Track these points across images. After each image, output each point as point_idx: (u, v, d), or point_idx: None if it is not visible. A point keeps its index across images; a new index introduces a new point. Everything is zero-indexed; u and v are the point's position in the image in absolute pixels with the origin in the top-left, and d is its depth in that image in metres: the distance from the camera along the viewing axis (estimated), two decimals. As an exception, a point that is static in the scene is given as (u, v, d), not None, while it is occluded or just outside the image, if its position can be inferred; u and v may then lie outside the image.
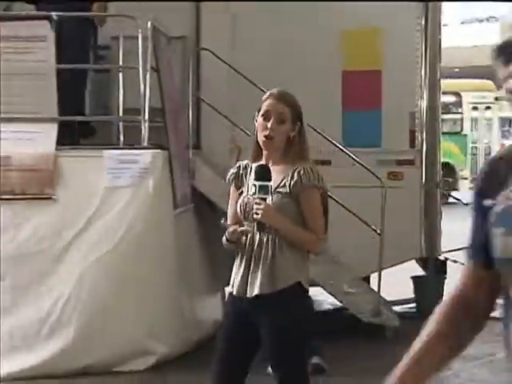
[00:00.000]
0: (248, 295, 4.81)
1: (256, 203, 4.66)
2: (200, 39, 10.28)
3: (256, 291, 4.83)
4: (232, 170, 5.07)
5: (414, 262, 10.80)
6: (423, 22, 10.45)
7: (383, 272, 9.60)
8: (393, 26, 10.23)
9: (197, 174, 9.74)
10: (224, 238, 4.97)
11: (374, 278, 9.98)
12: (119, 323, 8.42)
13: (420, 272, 10.95)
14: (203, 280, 10.02)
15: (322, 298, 10.30)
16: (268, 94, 5.11)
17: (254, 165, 4.78)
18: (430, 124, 10.53)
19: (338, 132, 9.90)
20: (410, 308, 10.80)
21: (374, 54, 10.27)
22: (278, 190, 4.72)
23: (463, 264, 3.02)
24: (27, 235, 8.15)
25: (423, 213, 10.40)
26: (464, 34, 27.96)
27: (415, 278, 10.72)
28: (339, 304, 10.03)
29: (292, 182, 4.73)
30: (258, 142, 4.89)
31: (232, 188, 5.04)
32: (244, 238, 4.93)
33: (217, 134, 10.12)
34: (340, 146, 9.49)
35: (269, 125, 4.74)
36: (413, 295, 10.79)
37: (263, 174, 4.71)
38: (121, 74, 8.93)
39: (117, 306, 8.44)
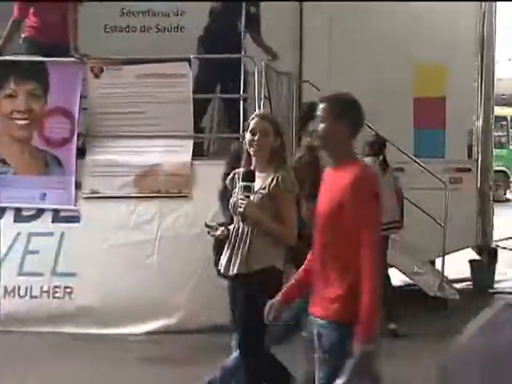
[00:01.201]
0: (230, 273, 5.21)
1: (240, 199, 5.02)
2: (302, 74, 10.67)
3: (235, 271, 5.20)
4: (230, 176, 5.42)
5: (470, 249, 11.15)
6: (479, 59, 10.94)
7: (446, 257, 10.02)
8: (455, 61, 10.59)
9: None
10: (209, 234, 5.44)
11: (438, 261, 10.41)
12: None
13: (476, 257, 11.23)
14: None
15: (397, 276, 10.31)
16: (254, 114, 5.45)
17: (242, 170, 5.12)
18: (484, 140, 11.04)
19: (411, 146, 10.38)
20: (467, 285, 11.09)
21: (439, 84, 10.75)
22: (260, 191, 5.05)
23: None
24: (170, 224, 8.75)
25: (478, 209, 10.90)
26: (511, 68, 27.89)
27: (472, 262, 11.07)
28: (410, 281, 10.39)
29: (272, 186, 5.05)
30: (248, 152, 5.19)
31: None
32: (226, 233, 5.24)
33: None
34: (412, 157, 10.02)
35: (256, 138, 5.08)
36: (469, 275, 11.19)
37: (248, 176, 5.02)
38: (241, 101, 9.25)
39: None
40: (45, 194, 8.98)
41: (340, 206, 3.62)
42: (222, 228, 5.35)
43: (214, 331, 8.36)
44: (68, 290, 8.48)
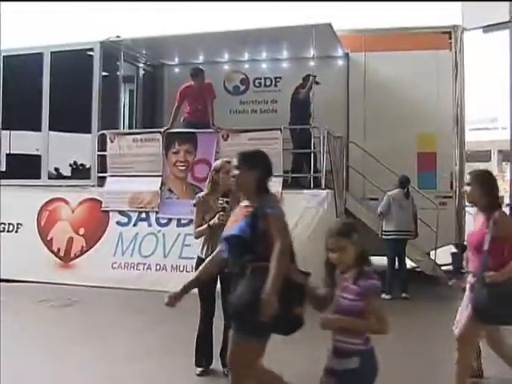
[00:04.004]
0: None
1: (220, 212, 5.18)
2: (349, 137, 11.44)
3: None
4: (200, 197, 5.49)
5: (452, 245, 11.22)
6: (455, 129, 11.32)
7: (437, 250, 10.58)
8: (441, 131, 11.22)
9: (347, 201, 10.78)
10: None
11: (432, 253, 10.80)
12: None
13: (455, 250, 11.21)
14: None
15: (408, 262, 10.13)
16: (222, 161, 5.54)
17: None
18: (459, 178, 11.17)
19: (416, 181, 10.78)
20: (449, 268, 11.19)
21: (432, 144, 11.26)
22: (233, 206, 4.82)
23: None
24: None
25: (456, 220, 11.09)
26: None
27: (452, 254, 11.27)
28: (414, 265, 10.73)
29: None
30: (217, 183, 5.37)
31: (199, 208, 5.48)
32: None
33: (356, 182, 11.23)
34: (416, 188, 10.50)
35: (229, 176, 4.66)
36: (451, 262, 11.27)
37: (224, 195, 5.23)
38: (312, 154, 9.98)
39: (307, 263, 6.96)
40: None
41: None
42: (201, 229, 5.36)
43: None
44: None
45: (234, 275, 3.71)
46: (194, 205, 5.56)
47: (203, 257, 5.27)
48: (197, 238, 5.55)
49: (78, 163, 11.84)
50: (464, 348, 4.51)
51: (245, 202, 3.83)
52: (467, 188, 4.57)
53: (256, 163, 3.84)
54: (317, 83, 10.55)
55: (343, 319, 3.30)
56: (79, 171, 11.66)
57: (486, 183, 4.48)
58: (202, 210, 5.47)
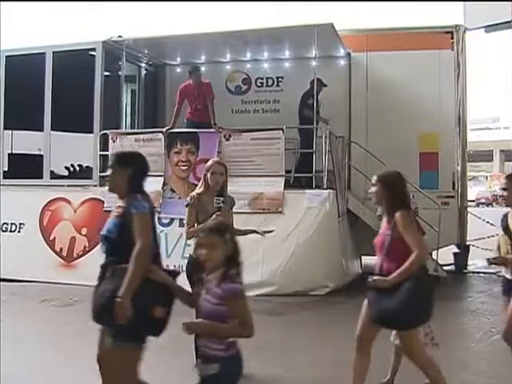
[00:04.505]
0: None
1: (217, 212, 5.17)
2: (350, 137, 11.50)
3: None
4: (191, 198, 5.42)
5: (454, 245, 11.49)
6: (457, 129, 11.39)
7: (439, 250, 10.39)
8: (443, 130, 11.25)
9: (349, 201, 10.68)
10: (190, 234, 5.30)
11: (434, 252, 10.34)
12: (311, 271, 9.25)
13: (457, 250, 11.67)
14: (351, 251, 10.68)
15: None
16: (212, 161, 5.55)
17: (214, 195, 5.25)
18: (461, 178, 11.35)
19: (418, 181, 10.83)
20: (451, 268, 11.47)
21: (434, 144, 11.34)
22: (226, 205, 5.27)
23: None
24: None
25: (458, 221, 11.24)
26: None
27: (454, 253, 11.64)
28: None
29: (229, 203, 5.40)
30: (208, 184, 5.36)
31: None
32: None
33: (358, 182, 11.10)
34: (419, 188, 10.36)
35: (216, 176, 5.33)
36: (453, 261, 11.61)
37: (219, 195, 5.27)
38: (314, 154, 9.90)
39: (310, 262, 9.21)
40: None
41: None
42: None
43: (298, 296, 8.85)
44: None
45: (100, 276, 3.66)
46: (187, 205, 5.48)
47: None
48: (189, 238, 5.50)
49: (76, 165, 11.84)
50: (362, 348, 4.40)
51: (119, 202, 3.80)
52: (372, 189, 4.47)
53: (129, 163, 3.83)
54: (324, 86, 10.67)
55: (204, 325, 3.25)
56: (76, 173, 11.69)
57: (389, 184, 4.37)
58: (196, 209, 5.41)
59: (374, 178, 4.48)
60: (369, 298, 4.23)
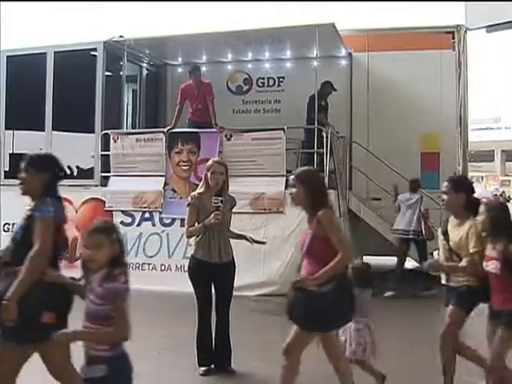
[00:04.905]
0: (218, 261, 5.31)
1: (215, 212, 5.26)
2: (352, 137, 11.56)
3: (224, 259, 5.36)
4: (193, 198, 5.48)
5: None
6: (459, 129, 11.40)
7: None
8: (444, 131, 11.22)
9: (350, 201, 10.80)
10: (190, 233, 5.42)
11: (435, 252, 9.33)
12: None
13: None
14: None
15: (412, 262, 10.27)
16: (212, 161, 5.59)
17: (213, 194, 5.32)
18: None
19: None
20: None
21: (435, 144, 11.31)
22: (225, 205, 5.37)
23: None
24: (271, 229, 9.36)
25: None
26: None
27: None
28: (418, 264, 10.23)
29: (229, 202, 5.48)
30: (209, 183, 5.44)
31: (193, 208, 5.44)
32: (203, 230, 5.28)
33: (359, 182, 11.28)
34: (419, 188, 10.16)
35: (216, 176, 5.40)
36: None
37: (218, 194, 5.32)
38: (315, 155, 9.90)
39: None
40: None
41: None
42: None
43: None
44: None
45: None
46: (188, 205, 5.49)
47: (198, 257, 5.35)
48: (189, 237, 5.58)
49: (73, 167, 11.71)
50: (290, 355, 4.25)
51: (31, 205, 3.78)
52: (292, 190, 4.31)
53: (42, 166, 3.80)
54: (334, 90, 10.73)
55: (74, 334, 3.23)
56: (80, 172, 11.63)
57: (308, 183, 4.18)
58: (197, 209, 5.42)
59: (291, 178, 4.34)
60: (289, 298, 4.07)
